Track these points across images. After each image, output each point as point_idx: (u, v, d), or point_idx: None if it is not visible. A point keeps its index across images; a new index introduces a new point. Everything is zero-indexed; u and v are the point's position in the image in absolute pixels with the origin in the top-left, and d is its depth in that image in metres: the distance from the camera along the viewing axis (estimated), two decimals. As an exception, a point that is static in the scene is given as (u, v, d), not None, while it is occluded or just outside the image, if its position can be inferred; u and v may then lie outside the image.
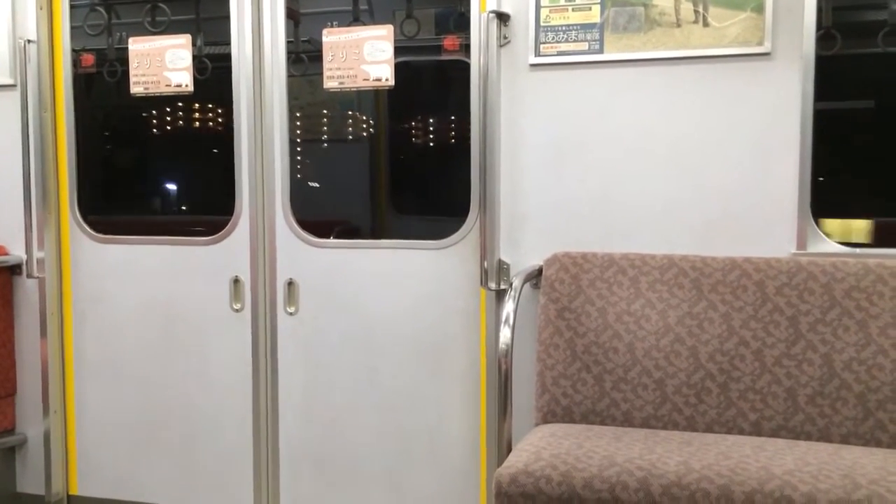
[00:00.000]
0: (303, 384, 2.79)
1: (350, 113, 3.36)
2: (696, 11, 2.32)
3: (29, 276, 2.89)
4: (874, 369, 2.10)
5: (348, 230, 3.17)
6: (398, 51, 2.64)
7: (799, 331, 2.17)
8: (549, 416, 2.33)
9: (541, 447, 2.02)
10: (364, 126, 3.37)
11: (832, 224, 2.64)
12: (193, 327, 2.87)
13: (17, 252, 2.93)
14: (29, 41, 2.84)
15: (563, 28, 2.42)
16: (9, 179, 2.92)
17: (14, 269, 2.96)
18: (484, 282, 2.50)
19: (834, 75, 2.48)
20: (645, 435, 2.14)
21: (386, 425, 2.71)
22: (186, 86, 2.83)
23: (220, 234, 2.83)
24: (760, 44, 2.27)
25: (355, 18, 2.90)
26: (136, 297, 2.93)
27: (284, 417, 2.83)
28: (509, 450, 2.24)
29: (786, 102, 2.28)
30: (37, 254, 2.88)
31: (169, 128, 3.32)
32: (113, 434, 3.00)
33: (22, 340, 3.00)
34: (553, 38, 2.43)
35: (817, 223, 2.30)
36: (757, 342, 2.19)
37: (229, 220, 2.82)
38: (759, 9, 2.26)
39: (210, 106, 3.16)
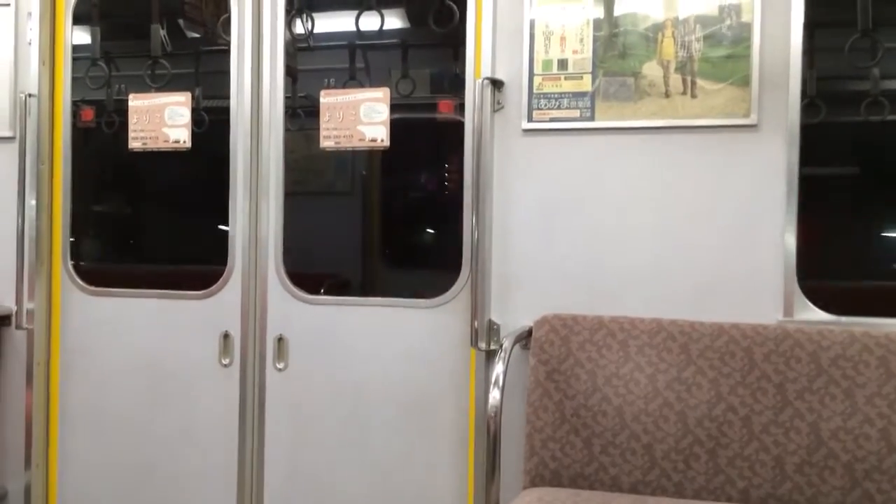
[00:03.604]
0: (290, 441, 2.77)
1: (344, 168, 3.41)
2: (684, 82, 2.38)
3: (18, 327, 2.88)
4: (861, 438, 2.11)
5: (339, 284, 3.19)
6: (393, 108, 2.69)
7: (786, 398, 2.18)
8: (537, 479, 2.32)
9: (529, 513, 2.01)
10: (358, 181, 3.41)
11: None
12: (181, 382, 2.86)
13: (7, 303, 2.92)
14: (30, 95, 2.88)
15: (556, 95, 2.48)
16: (3, 230, 2.93)
17: (3, 320, 2.95)
18: (474, 342, 2.51)
19: (818, 143, 2.55)
20: (633, 501, 2.13)
21: (374, 485, 2.69)
22: (184, 142, 2.87)
23: (211, 288, 2.84)
24: (747, 115, 2.33)
25: (352, 77, 2.97)
26: (125, 350, 2.91)
27: (270, 475, 2.79)
28: (497, 514, 2.22)
29: (772, 171, 2.33)
30: (27, 305, 2.88)
31: (165, 181, 3.35)
32: (95, 490, 2.95)
33: (6, 392, 2.97)
34: (545, 104, 2.49)
35: (804, 290, 2.33)
36: (745, 409, 2.20)
37: (221, 273, 2.83)
38: (746, 81, 2.33)
39: (206, 159, 3.19)
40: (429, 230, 3.25)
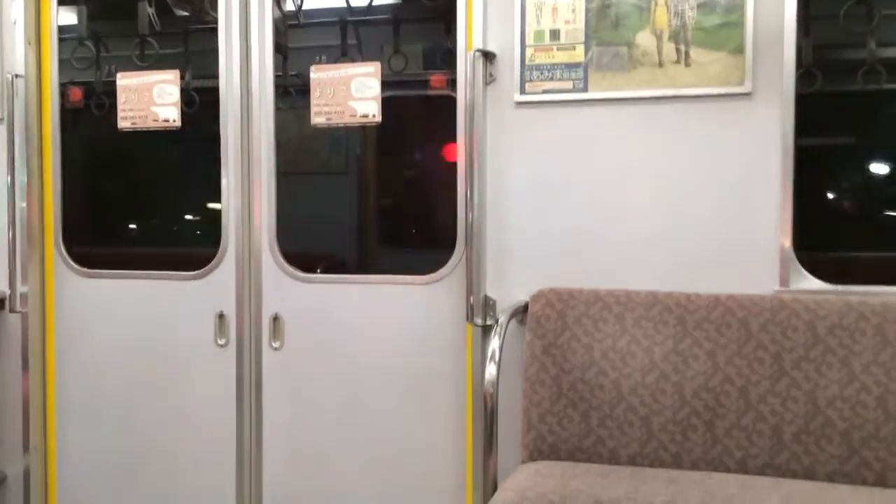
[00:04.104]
0: (287, 420, 2.77)
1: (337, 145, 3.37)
2: (678, 51, 2.36)
3: (12, 310, 2.86)
4: (858, 407, 2.11)
5: (335, 263, 3.17)
6: (385, 85, 2.66)
7: (783, 368, 2.17)
8: (535, 453, 2.32)
9: (526, 486, 2.01)
10: (351, 159, 3.38)
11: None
12: (177, 363, 2.85)
13: (1, 286, 2.90)
14: (17, 76, 2.84)
15: (548, 67, 2.45)
16: None
17: (-3, 304, 2.95)
18: (470, 317, 2.50)
19: (815, 113, 2.52)
20: (631, 473, 2.13)
21: (372, 462, 2.69)
22: (174, 121, 2.84)
23: (205, 268, 2.82)
24: (741, 83, 2.31)
25: (343, 53, 2.93)
26: (120, 332, 2.91)
27: (268, 454, 2.80)
28: (495, 487, 2.22)
29: (767, 141, 2.31)
30: (20, 288, 2.86)
31: (155, 161, 3.32)
32: (94, 472, 2.96)
33: (3, 376, 2.97)
34: (538, 76, 2.46)
35: (799, 260, 2.32)
36: (741, 379, 2.20)
37: (215, 253, 2.82)
38: (740, 49, 2.30)
39: (197, 139, 3.16)
40: (423, 206, 3.22)
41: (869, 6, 2.37)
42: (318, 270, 2.86)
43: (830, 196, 3.02)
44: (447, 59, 2.70)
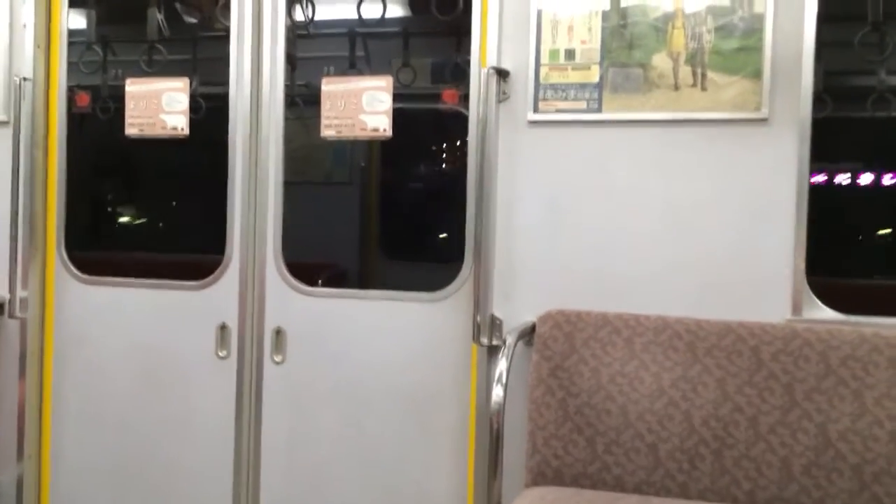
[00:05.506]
0: (287, 436, 2.73)
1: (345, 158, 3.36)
2: (694, 74, 2.33)
3: (11, 315, 2.83)
4: (869, 440, 2.07)
5: (338, 275, 3.15)
6: (394, 98, 2.63)
7: (794, 398, 2.14)
8: (539, 478, 2.29)
9: (531, 513, 1.98)
10: (356, 172, 3.37)
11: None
12: (177, 373, 2.81)
13: (0, 291, 2.87)
14: (25, 79, 2.82)
15: (562, 86, 2.43)
16: None
17: (-4, 308, 2.91)
18: (476, 337, 2.46)
19: (825, 138, 2.51)
20: (637, 501, 2.10)
21: (371, 481, 2.65)
22: (182, 129, 2.81)
23: (208, 278, 2.79)
24: (758, 109, 2.29)
25: (352, 65, 2.92)
26: (120, 340, 2.87)
27: (266, 469, 2.76)
28: (498, 512, 2.19)
29: (782, 167, 2.28)
30: (20, 293, 2.82)
31: (160, 167, 3.30)
32: (89, 482, 2.91)
33: None
34: (552, 95, 2.44)
35: (812, 289, 2.29)
36: (752, 409, 2.16)
37: (218, 263, 2.78)
38: (757, 74, 2.28)
39: (203, 146, 3.15)
40: (431, 222, 3.20)
41: (882, 34, 2.35)
42: (320, 283, 2.84)
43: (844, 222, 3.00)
44: (456, 75, 2.68)
